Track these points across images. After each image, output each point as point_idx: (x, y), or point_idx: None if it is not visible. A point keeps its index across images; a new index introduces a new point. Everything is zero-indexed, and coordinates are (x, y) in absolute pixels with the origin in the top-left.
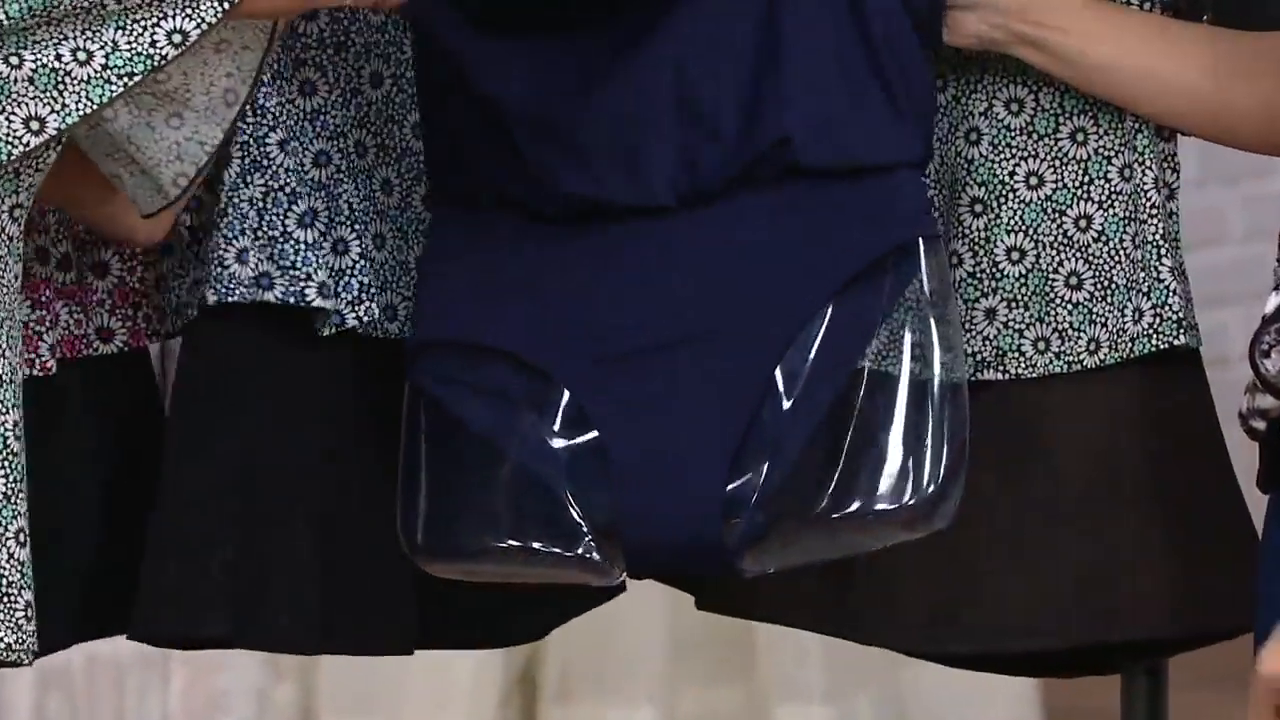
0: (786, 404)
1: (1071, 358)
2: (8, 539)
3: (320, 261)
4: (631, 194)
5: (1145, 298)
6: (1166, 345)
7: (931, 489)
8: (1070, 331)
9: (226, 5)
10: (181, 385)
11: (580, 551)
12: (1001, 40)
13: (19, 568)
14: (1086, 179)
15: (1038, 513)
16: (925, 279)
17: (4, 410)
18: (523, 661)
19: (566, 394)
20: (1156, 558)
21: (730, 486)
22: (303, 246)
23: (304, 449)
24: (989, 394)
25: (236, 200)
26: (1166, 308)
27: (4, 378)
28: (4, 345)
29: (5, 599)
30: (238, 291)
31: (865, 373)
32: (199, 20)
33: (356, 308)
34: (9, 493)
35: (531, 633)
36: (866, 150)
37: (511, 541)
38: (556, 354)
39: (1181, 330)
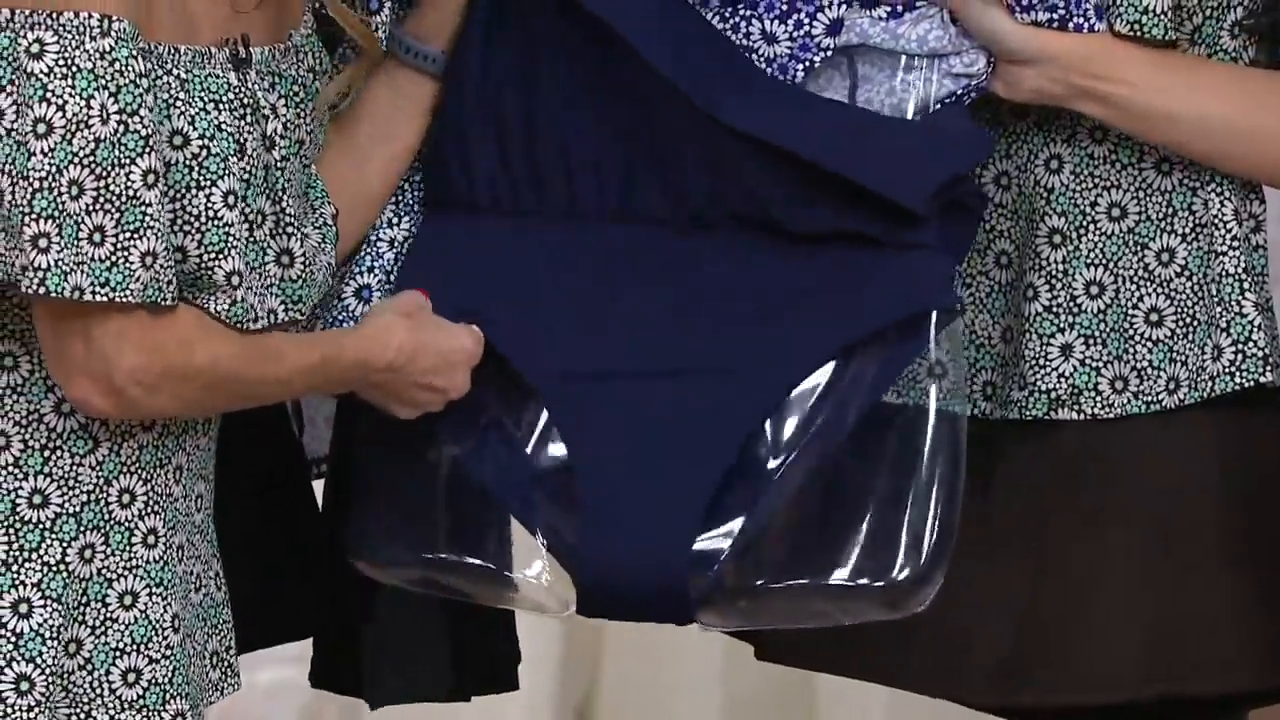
0: (771, 459)
1: (1150, 397)
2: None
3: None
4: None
5: (1225, 334)
6: (1251, 383)
7: (911, 571)
8: (1150, 370)
9: None
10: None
11: (532, 576)
12: (1062, 95)
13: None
14: (1170, 210)
15: (1113, 560)
16: (935, 352)
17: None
18: (573, 716)
19: (540, 407)
20: (1238, 607)
21: (702, 537)
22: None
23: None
24: (1063, 434)
25: (375, 239)
26: (1250, 344)
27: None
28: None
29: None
30: (347, 325)
31: (858, 440)
32: None
33: None
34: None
35: None
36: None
37: (449, 556)
38: (534, 363)
39: (1267, 367)
